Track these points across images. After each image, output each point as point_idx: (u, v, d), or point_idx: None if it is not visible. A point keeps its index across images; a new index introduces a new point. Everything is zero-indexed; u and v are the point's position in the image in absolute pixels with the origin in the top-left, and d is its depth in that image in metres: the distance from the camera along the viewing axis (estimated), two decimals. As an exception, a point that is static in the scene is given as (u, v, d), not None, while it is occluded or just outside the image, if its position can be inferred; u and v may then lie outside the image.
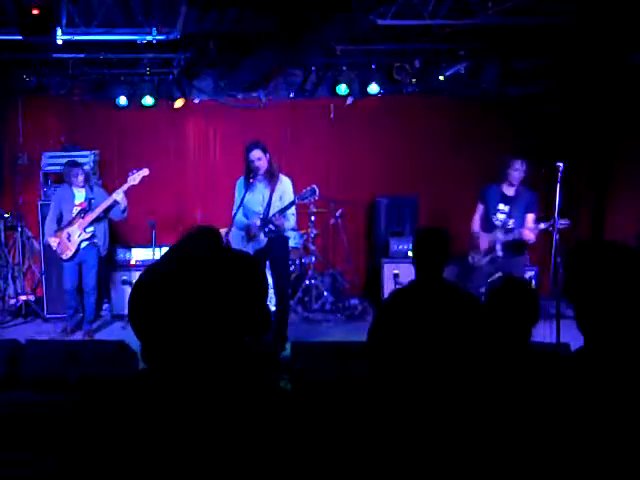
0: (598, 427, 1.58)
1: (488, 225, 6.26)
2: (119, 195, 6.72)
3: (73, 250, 6.77)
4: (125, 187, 6.77)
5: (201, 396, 1.19)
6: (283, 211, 5.86)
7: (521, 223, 6.08)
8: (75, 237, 6.75)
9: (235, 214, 6.00)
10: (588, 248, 1.77)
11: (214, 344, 1.20)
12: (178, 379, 1.21)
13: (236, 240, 6.02)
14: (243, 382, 1.23)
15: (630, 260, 1.65)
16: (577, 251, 1.75)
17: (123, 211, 6.83)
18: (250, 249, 5.89)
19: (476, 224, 6.40)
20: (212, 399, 1.20)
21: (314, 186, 5.95)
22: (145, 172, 6.78)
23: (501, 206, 6.19)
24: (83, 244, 6.80)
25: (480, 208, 6.39)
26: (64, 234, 6.77)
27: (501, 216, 6.19)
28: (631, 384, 1.59)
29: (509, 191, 6.16)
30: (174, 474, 1.15)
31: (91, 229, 6.79)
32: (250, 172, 5.89)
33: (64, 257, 6.83)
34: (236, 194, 6.08)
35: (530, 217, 6.10)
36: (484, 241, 6.25)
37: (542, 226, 5.87)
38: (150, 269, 1.28)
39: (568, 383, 1.65)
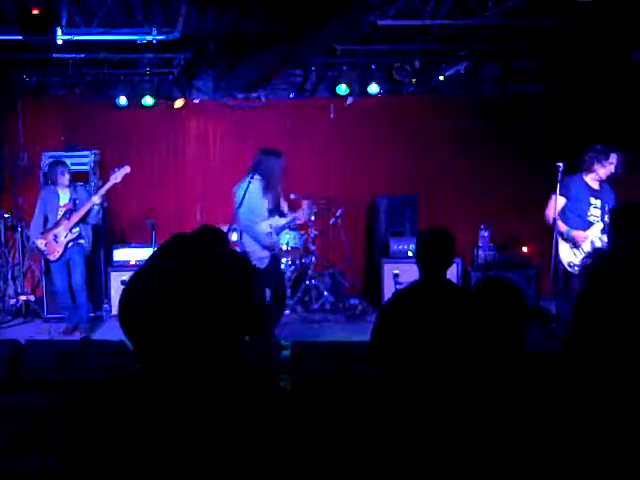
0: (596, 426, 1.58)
1: (576, 221, 5.63)
2: (97, 199, 6.78)
3: (60, 251, 6.81)
4: (108, 186, 6.85)
5: (197, 396, 1.19)
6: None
7: None
8: (62, 238, 6.78)
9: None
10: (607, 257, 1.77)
11: (208, 344, 1.20)
12: (173, 380, 1.20)
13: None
14: (241, 382, 1.23)
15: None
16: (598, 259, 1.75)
17: (97, 213, 6.88)
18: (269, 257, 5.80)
19: (558, 219, 5.65)
20: (208, 399, 1.19)
21: (309, 202, 5.99)
22: (126, 170, 6.87)
23: (592, 200, 5.58)
24: (70, 244, 6.83)
25: (558, 201, 5.71)
26: (50, 236, 6.80)
27: (596, 211, 5.60)
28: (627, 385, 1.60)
29: (594, 184, 5.60)
30: (170, 475, 1.15)
31: (77, 229, 6.82)
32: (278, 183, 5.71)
33: (52, 258, 6.89)
34: (261, 201, 5.65)
35: None
36: (582, 238, 5.55)
37: None
38: (141, 271, 1.27)
39: (559, 385, 1.65)
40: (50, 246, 6.82)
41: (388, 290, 7.54)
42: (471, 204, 8.44)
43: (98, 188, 7.83)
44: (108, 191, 6.99)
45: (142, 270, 1.26)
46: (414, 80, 8.24)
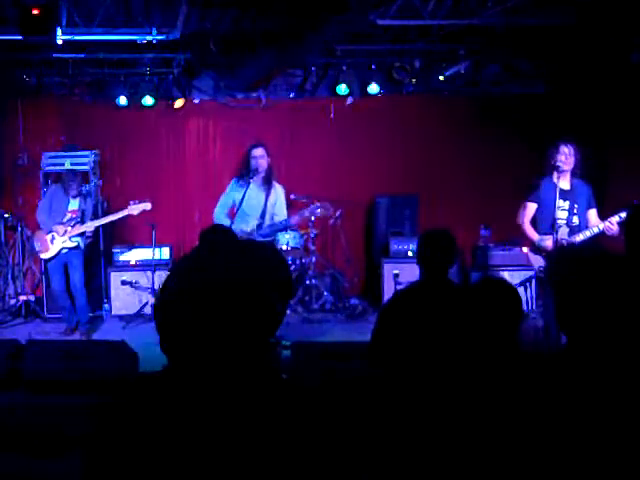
0: (584, 426, 1.58)
1: (546, 226, 5.48)
2: (97, 223, 6.91)
3: (52, 253, 6.81)
4: (122, 214, 6.89)
5: (222, 395, 1.19)
6: (279, 230, 6.03)
7: (585, 221, 5.43)
8: (58, 242, 6.76)
9: (219, 214, 6.05)
10: (571, 255, 1.78)
11: (239, 343, 1.20)
12: (202, 378, 1.20)
13: None
14: (263, 381, 1.23)
15: (611, 266, 1.66)
16: (561, 258, 1.76)
17: (88, 237, 6.93)
18: None
19: (529, 226, 5.62)
20: (233, 398, 1.19)
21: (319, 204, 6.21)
22: (147, 207, 6.90)
23: (560, 202, 5.41)
24: (64, 250, 6.81)
25: (530, 208, 5.63)
26: (49, 235, 6.79)
27: (563, 214, 5.46)
28: (615, 384, 1.60)
29: (564, 184, 5.47)
30: (192, 473, 1.15)
31: (77, 239, 6.80)
32: (249, 171, 5.92)
33: (42, 256, 6.92)
34: (226, 195, 6.13)
35: (593, 213, 5.49)
36: (550, 245, 5.42)
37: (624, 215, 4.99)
38: (184, 266, 1.27)
39: (552, 384, 1.65)
40: (45, 244, 6.81)
41: (388, 290, 7.53)
42: (471, 204, 8.44)
43: (98, 188, 7.85)
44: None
45: (183, 265, 1.27)
46: (414, 80, 8.24)
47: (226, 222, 5.98)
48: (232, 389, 1.20)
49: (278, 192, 6.09)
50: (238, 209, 6.01)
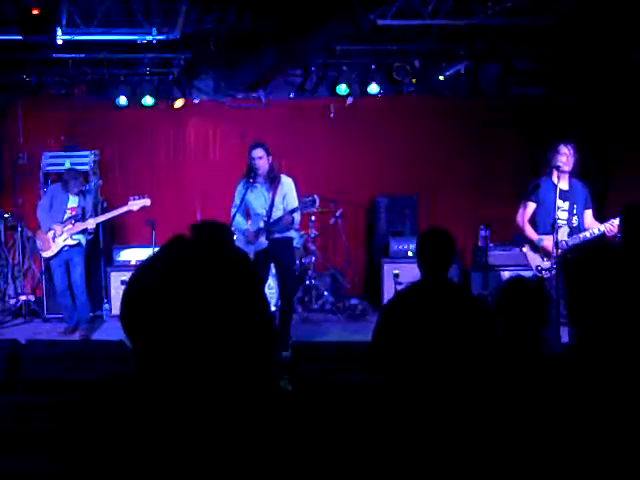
0: (597, 423, 1.58)
1: (544, 226, 5.48)
2: (99, 219, 6.91)
3: (55, 251, 6.81)
4: (122, 210, 6.89)
5: (197, 396, 1.19)
6: (286, 222, 5.94)
7: (582, 221, 5.46)
8: (60, 240, 6.77)
9: (234, 215, 6.02)
10: (585, 252, 1.78)
11: (209, 345, 1.19)
12: (173, 379, 1.20)
13: (239, 242, 6.03)
14: (242, 382, 1.22)
15: (621, 263, 1.67)
16: (576, 256, 1.76)
17: (90, 233, 6.90)
18: (251, 251, 5.91)
19: (528, 226, 5.62)
20: (209, 399, 1.19)
21: (315, 196, 5.93)
22: (147, 202, 6.89)
23: (560, 203, 5.39)
24: (66, 247, 6.81)
25: (528, 207, 5.62)
26: (50, 232, 6.79)
27: (563, 214, 5.45)
28: (625, 380, 1.60)
29: (563, 185, 5.45)
30: (170, 475, 1.15)
31: (78, 236, 6.80)
32: (251, 172, 5.92)
33: (44, 255, 6.91)
34: (235, 195, 6.12)
35: (589, 213, 5.52)
36: (549, 244, 5.41)
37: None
38: (142, 270, 1.26)
39: (563, 381, 1.65)
40: (47, 243, 6.82)
41: (388, 290, 7.53)
42: (471, 204, 8.44)
43: (98, 187, 7.86)
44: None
45: (143, 268, 1.26)
46: (414, 80, 8.24)
47: (243, 222, 6.05)
48: (204, 390, 1.19)
49: (286, 185, 6.01)
50: (238, 208, 6.04)
